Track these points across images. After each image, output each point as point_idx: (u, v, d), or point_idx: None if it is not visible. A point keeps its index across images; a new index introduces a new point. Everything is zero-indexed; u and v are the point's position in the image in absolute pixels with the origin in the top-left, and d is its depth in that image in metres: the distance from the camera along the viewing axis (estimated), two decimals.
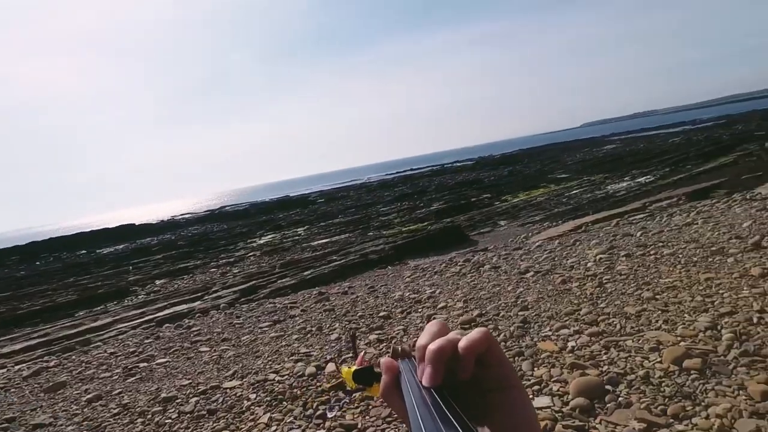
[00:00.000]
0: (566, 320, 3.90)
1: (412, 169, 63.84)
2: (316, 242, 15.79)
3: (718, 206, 8.03)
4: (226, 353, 4.99)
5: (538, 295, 4.81)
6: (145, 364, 5.17)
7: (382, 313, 5.40)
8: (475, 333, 0.36)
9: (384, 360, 0.41)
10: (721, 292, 3.84)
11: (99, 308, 10.82)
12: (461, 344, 0.35)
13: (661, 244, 6.00)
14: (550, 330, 3.74)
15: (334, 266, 10.32)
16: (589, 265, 5.76)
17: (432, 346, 0.36)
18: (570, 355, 3.19)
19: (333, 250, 12.72)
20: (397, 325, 4.87)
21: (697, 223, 6.84)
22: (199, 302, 9.24)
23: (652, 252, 5.65)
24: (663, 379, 2.66)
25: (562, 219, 11.57)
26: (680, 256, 5.22)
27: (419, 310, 5.29)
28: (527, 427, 0.34)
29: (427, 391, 0.34)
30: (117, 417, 3.71)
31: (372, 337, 4.54)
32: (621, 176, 18.06)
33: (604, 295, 4.41)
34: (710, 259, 4.85)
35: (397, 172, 63.45)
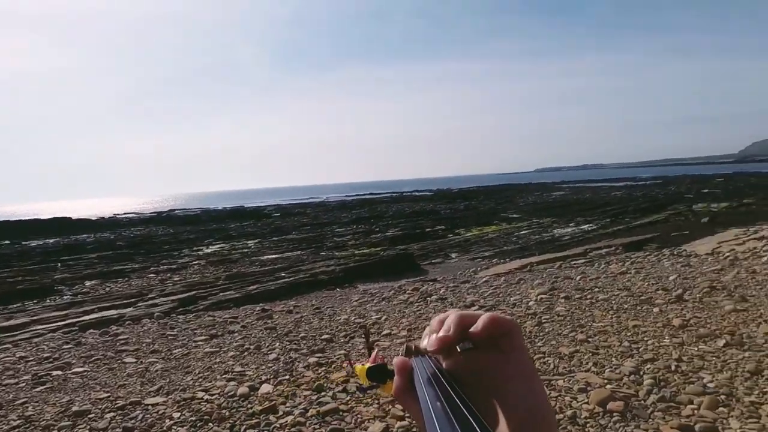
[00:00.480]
0: None
1: (372, 194, 64.27)
2: (266, 257, 15.39)
3: (649, 259, 8.60)
4: (153, 366, 4.68)
5: None
6: (60, 372, 4.75)
7: (325, 336, 5.29)
8: (502, 316, 0.37)
9: (397, 359, 0.41)
10: (645, 339, 4.08)
11: (15, 306, 9.90)
12: (482, 316, 0.37)
13: (597, 289, 6.32)
14: None
15: (281, 283, 10.07)
16: (530, 303, 5.95)
17: (452, 314, 0.39)
18: None
19: (282, 267, 12.43)
20: (339, 349, 4.78)
21: (630, 273, 7.28)
22: (131, 309, 8.69)
23: (588, 296, 5.94)
24: (588, 420, 2.76)
25: (510, 257, 11.96)
26: (613, 302, 5.52)
27: (363, 335, 5.23)
28: (542, 418, 0.33)
29: (442, 389, 0.33)
30: (16, 431, 3.37)
31: (312, 360, 4.43)
32: (567, 222, 19.02)
33: (541, 334, 4.56)
34: (639, 308, 5.16)
35: (357, 195, 63.64)
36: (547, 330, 4.68)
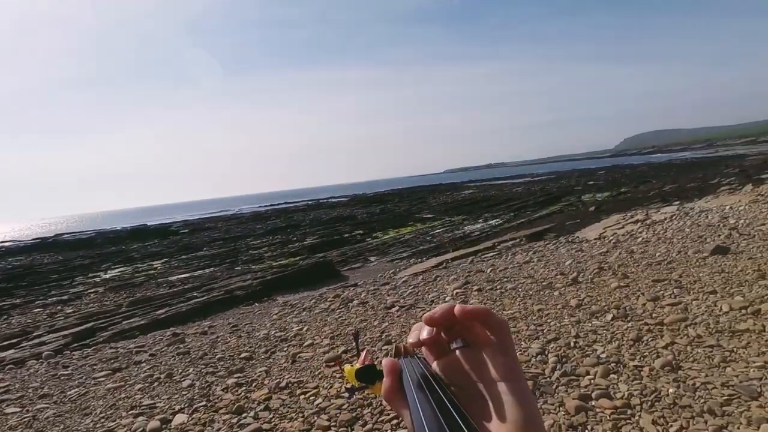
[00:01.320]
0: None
1: (287, 203, 62.77)
2: (175, 277, 14.31)
3: (549, 247, 9.44)
4: (43, 413, 4.13)
5: (401, 329, 5.01)
6: None
7: (244, 354, 5.05)
8: (492, 311, 0.38)
9: (386, 360, 0.40)
10: (549, 321, 4.47)
11: None
12: (457, 307, 0.37)
13: (505, 279, 6.79)
14: None
15: (194, 303, 9.42)
16: (447, 298, 6.22)
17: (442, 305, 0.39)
18: None
19: (194, 286, 11.65)
20: (260, 366, 4.59)
21: (533, 261, 7.92)
22: (12, 350, 7.57)
23: (498, 287, 6.36)
24: None
25: (426, 256, 12.39)
26: (520, 290, 5.96)
27: (284, 348, 5.09)
28: (530, 419, 0.33)
29: (431, 390, 0.33)
30: None
31: (230, 381, 4.21)
32: (476, 218, 20.19)
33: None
34: (542, 293, 5.64)
35: (272, 205, 61.75)
36: None
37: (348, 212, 31.64)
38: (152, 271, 16.19)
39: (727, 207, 9.81)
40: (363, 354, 0.55)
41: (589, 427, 2.55)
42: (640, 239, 8.04)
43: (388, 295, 7.09)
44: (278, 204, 62.40)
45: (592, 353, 3.51)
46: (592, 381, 3.06)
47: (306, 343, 5.13)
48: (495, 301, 5.63)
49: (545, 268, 7.07)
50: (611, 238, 8.95)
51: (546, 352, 3.67)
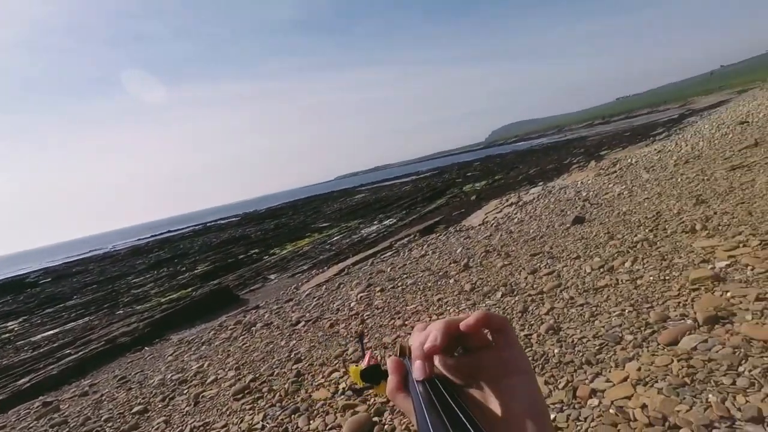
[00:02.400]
0: (336, 363, 4.08)
1: (169, 231, 57.66)
2: (39, 336, 12.25)
3: (440, 238, 10.01)
4: None
5: (310, 344, 4.91)
6: None
7: (136, 408, 4.51)
8: (490, 312, 0.36)
9: (390, 359, 0.40)
10: (448, 309, 4.74)
11: None
12: (462, 325, 0.36)
13: (405, 276, 7.03)
14: (322, 377, 3.83)
15: (68, 362, 8.17)
16: (352, 305, 6.24)
17: (416, 343, 0.37)
18: (341, 397, 3.33)
19: (66, 342, 10.10)
20: (158, 418, 4.14)
21: (428, 254, 8.33)
22: None
23: (399, 284, 6.56)
24: None
25: (328, 265, 12.31)
26: (419, 283, 6.22)
27: (184, 391, 4.66)
28: (537, 414, 0.33)
29: (434, 388, 0.33)
30: None
31: None
32: (371, 220, 20.63)
33: (366, 330, 4.83)
34: (439, 283, 5.95)
35: (153, 236, 56.22)
36: (370, 325, 4.98)
37: (240, 232, 30.13)
38: (8, 335, 13.66)
39: (579, 182, 11.37)
40: (368, 354, 0.56)
41: None
42: (515, 220, 8.93)
43: (293, 312, 6.90)
44: (160, 234, 57.08)
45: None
46: None
47: (209, 380, 4.75)
48: (398, 298, 5.80)
49: (440, 259, 7.48)
50: (492, 222, 9.80)
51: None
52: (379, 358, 0.56)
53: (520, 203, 11.33)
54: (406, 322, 4.66)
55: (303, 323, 5.93)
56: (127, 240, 68.02)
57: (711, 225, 4.47)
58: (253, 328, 6.55)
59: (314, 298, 7.51)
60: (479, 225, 10.16)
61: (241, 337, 6.26)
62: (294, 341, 5.23)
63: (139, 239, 58.22)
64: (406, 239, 12.37)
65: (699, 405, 2.08)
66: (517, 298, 4.40)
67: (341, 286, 7.88)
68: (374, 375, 0.51)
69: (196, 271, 17.25)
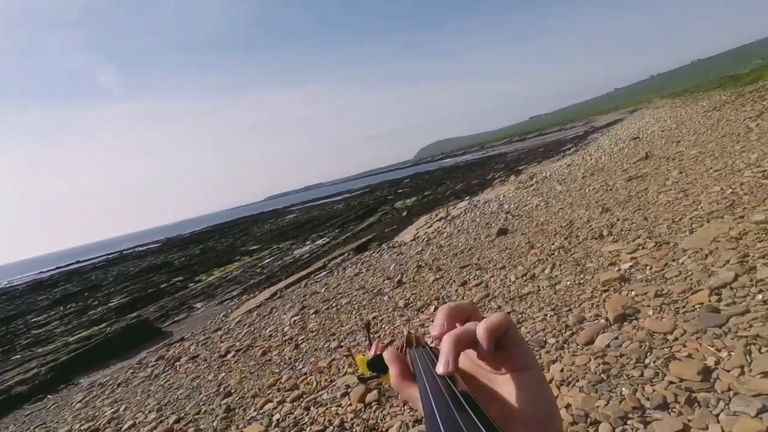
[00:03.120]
0: (269, 393, 3.90)
1: (78, 262, 52.47)
2: None
3: (374, 256, 10.05)
4: None
5: (241, 375, 4.65)
6: None
7: None
8: (494, 317, 0.36)
9: (387, 351, 0.41)
10: (384, 326, 4.74)
11: None
12: (479, 330, 0.35)
13: (340, 295, 6.95)
14: (255, 410, 3.64)
15: None
16: (285, 329, 6.04)
17: (447, 336, 0.35)
18: (276, 429, 3.18)
19: None
20: None
21: (362, 272, 8.32)
22: None
23: (334, 305, 6.46)
24: (354, 420, 2.98)
25: (259, 289, 11.84)
26: (354, 302, 6.18)
27: (364, 327, 4.26)
28: (546, 407, 0.33)
29: (442, 378, 0.33)
30: None
31: None
32: (304, 240, 20.25)
33: (300, 355, 4.68)
34: (374, 300, 5.95)
35: (58, 268, 50.76)
36: (304, 350, 4.84)
37: (162, 259, 28.17)
38: None
39: (501, 196, 12.06)
40: (374, 344, 0.56)
41: None
42: (445, 234, 9.23)
43: (222, 342, 6.53)
44: (67, 265, 51.71)
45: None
46: None
47: (125, 426, 4.32)
48: (333, 319, 5.71)
49: (374, 276, 7.50)
50: (423, 237, 10.04)
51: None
52: (384, 348, 0.55)
53: (449, 218, 11.74)
54: (342, 344, 4.58)
55: (233, 353, 5.62)
56: (26, 274, 60.75)
57: (615, 231, 4.93)
58: (178, 362, 6.09)
59: (245, 325, 7.17)
60: (411, 240, 10.36)
61: (164, 374, 5.78)
62: (223, 373, 4.93)
63: (41, 272, 52.28)
64: (340, 258, 12.28)
65: (615, 399, 2.25)
66: (378, 337, 4.51)
67: (273, 310, 7.60)
68: (381, 364, 0.51)
69: (110, 305, 15.78)
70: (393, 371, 0.40)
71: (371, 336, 0.75)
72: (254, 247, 22.56)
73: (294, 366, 4.39)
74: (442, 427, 0.27)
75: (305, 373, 4.08)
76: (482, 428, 0.27)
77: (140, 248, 49.30)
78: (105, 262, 38.63)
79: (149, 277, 20.90)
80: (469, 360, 0.39)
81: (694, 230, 3.98)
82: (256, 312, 8.11)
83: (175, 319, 11.18)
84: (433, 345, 0.43)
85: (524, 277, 4.63)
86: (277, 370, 4.45)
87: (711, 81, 31.13)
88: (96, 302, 17.44)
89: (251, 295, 11.11)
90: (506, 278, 4.84)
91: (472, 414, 0.28)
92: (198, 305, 12.34)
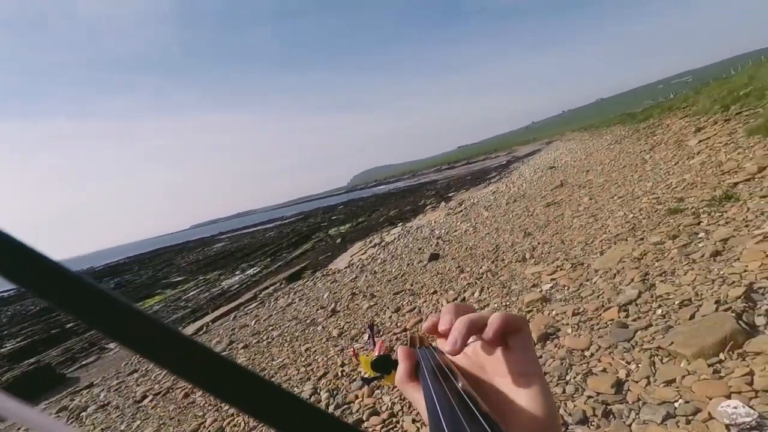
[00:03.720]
0: None
1: None
2: None
3: (307, 284, 9.83)
4: None
5: (160, 422, 4.25)
6: None
7: None
8: (513, 314, 0.35)
9: (401, 348, 0.40)
10: (317, 358, 4.60)
11: None
12: (493, 317, 0.35)
13: (271, 327, 6.67)
14: None
15: None
16: None
17: (460, 319, 0.35)
18: None
19: None
20: None
21: (295, 302, 8.08)
22: None
23: (265, 338, 6.18)
24: None
25: (183, 324, 11.06)
26: (286, 334, 5.95)
27: (368, 328, 3.76)
28: (547, 415, 0.33)
29: (447, 380, 0.33)
30: None
31: None
32: (233, 270, 19.34)
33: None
34: (307, 331, 5.78)
35: None
36: None
37: None
38: None
39: (433, 222, 12.42)
40: (378, 344, 0.50)
41: None
42: (379, 260, 9.27)
43: (138, 385, 5.96)
44: None
45: (356, 377, 3.77)
46: (361, 403, 3.27)
47: None
48: (263, 353, 5.44)
49: (307, 306, 7.31)
50: (358, 264, 10.01)
51: (318, 390, 3.74)
52: (387, 348, 0.53)
53: (383, 244, 11.85)
54: (273, 380, 4.37)
55: (150, 397, 5.14)
56: None
57: (536, 253, 5.25)
58: (84, 413, 5.44)
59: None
60: (345, 267, 10.28)
61: (68, 427, 5.13)
62: (138, 421, 4.48)
63: None
64: (272, 288, 11.86)
65: None
66: (384, 338, 4.49)
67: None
68: (385, 364, 0.51)
69: (2, 350, 13.87)
70: (402, 368, 0.39)
71: (375, 336, 0.74)
72: (178, 279, 21.18)
73: (220, 407, 4.10)
74: (445, 428, 0.27)
75: (232, 414, 3.82)
76: (487, 430, 0.26)
77: None
78: None
79: (53, 316, 18.73)
80: (473, 360, 0.39)
81: (603, 252, 4.35)
82: None
83: (84, 362, 10.06)
84: (436, 344, 0.43)
85: (455, 301, 4.74)
86: (201, 413, 4.12)
87: (612, 117, 34.92)
88: None
89: None
90: (438, 303, 4.94)
91: (477, 414, 0.28)
92: (111, 345, 11.22)
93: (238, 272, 18.74)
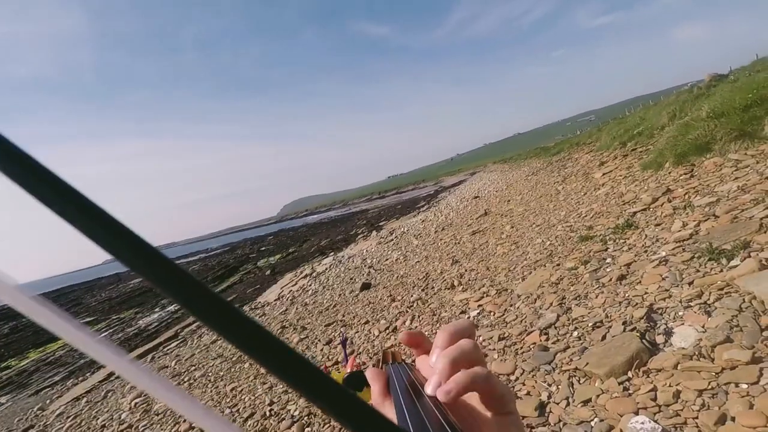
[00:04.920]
0: None
1: None
2: None
3: None
4: None
5: None
6: None
7: None
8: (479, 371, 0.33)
9: (369, 370, 0.39)
10: (243, 397, 4.33)
11: None
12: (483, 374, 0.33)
13: (193, 367, 6.21)
14: None
15: None
16: (123, 416, 5.11)
17: (443, 356, 0.35)
18: None
19: None
20: None
21: (220, 339, 7.59)
22: None
23: (186, 379, 5.73)
24: None
25: (91, 370, 9.93)
26: (210, 374, 5.57)
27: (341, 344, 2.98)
28: (513, 412, 0.33)
29: (418, 396, 0.33)
30: None
31: None
32: (152, 308, 17.87)
33: None
34: (233, 369, 5.44)
35: None
36: None
37: None
38: None
39: (365, 251, 12.46)
40: (351, 360, 0.43)
41: None
42: (310, 291, 9.07)
43: None
44: None
45: (287, 415, 3.60)
46: None
47: None
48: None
49: None
50: (288, 296, 9.71)
51: None
52: (359, 364, 0.48)
53: (314, 274, 11.63)
54: (193, 426, 4.03)
55: None
56: None
57: (464, 281, 5.44)
58: None
59: (68, 417, 5.89)
60: (275, 300, 9.92)
61: None
62: None
63: None
64: (196, 325, 11.09)
65: None
66: (355, 354, 4.35)
67: (109, 393, 6.43)
68: (358, 381, 0.46)
69: None
70: (375, 389, 0.38)
71: (347, 352, 0.70)
72: (88, 320, 19.12)
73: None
74: None
75: (352, 353, 3.48)
76: None
77: None
78: None
79: None
80: (461, 404, 0.37)
81: (525, 277, 4.61)
82: (85, 399, 6.74)
83: None
84: (410, 361, 0.43)
85: (387, 330, 4.75)
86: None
87: (528, 151, 37.87)
88: None
89: (80, 379, 9.25)
90: (370, 333, 4.91)
91: (447, 428, 0.28)
92: (2, 400, 9.76)
93: (157, 309, 17.35)
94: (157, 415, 4.70)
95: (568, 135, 46.59)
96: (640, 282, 3.29)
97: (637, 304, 2.99)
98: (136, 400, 5.55)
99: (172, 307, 16.63)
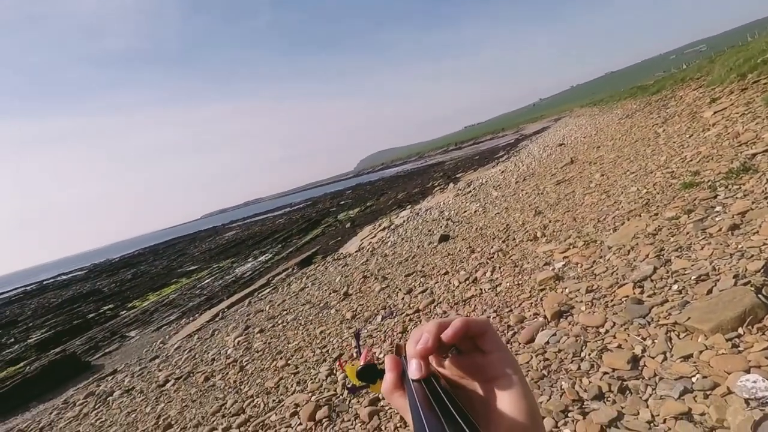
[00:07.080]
0: (214, 421, 3.70)
1: None
2: None
3: (319, 269, 9.91)
4: None
5: (182, 405, 4.37)
6: None
7: None
8: (473, 317, 0.37)
9: (389, 357, 0.41)
10: (332, 340, 4.67)
11: None
12: (453, 321, 0.36)
13: (285, 312, 6.77)
14: None
15: None
16: (229, 351, 5.77)
17: (431, 321, 0.38)
18: None
19: None
20: None
21: (308, 287, 8.16)
22: None
23: (279, 322, 6.28)
24: None
25: (199, 311, 11.26)
26: (301, 318, 6.04)
27: (354, 337, 3.93)
28: (528, 416, 0.34)
29: (430, 387, 0.34)
30: None
31: None
32: (245, 258, 19.57)
33: (246, 378, 4.49)
34: (321, 314, 5.85)
35: None
36: (250, 371, 4.65)
37: (89, 287, 26.03)
38: None
39: (442, 203, 12.38)
40: (364, 352, 0.55)
41: (382, 427, 2.76)
42: (389, 243, 9.30)
43: (160, 370, 6.11)
44: None
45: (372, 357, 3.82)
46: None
47: None
48: (279, 337, 5.54)
49: (319, 290, 7.38)
50: (368, 247, 10.05)
51: (335, 371, 3.81)
52: (373, 357, 0.54)
53: (392, 227, 11.86)
54: (289, 362, 4.45)
55: (172, 382, 5.28)
56: None
57: (548, 232, 5.22)
58: (110, 398, 5.61)
59: (185, 351, 6.77)
60: (356, 251, 10.33)
61: (95, 412, 5.30)
62: (162, 404, 4.61)
63: None
64: (285, 274, 11.99)
65: (556, 393, 2.36)
66: (396, 320, 4.53)
67: (216, 332, 7.25)
68: (371, 373, 0.51)
69: (29, 341, 14.30)
70: (389, 378, 0.40)
71: (361, 345, 0.75)
72: (192, 268, 21.49)
73: (240, 389, 4.20)
74: (428, 430, 0.28)
75: (251, 395, 3.91)
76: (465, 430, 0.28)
77: (63, 277, 45.25)
78: (22, 295, 35.05)
79: (75, 307, 19.22)
80: (454, 371, 0.39)
81: (617, 228, 4.31)
82: (196, 336, 7.69)
83: (107, 350, 10.34)
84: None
85: (467, 282, 4.76)
86: (221, 395, 4.23)
87: (622, 91, 34.14)
88: (12, 340, 15.73)
89: (191, 319, 10.53)
90: (450, 283, 4.95)
91: (458, 418, 0.29)
92: (132, 334, 11.49)
93: (250, 259, 18.95)
94: (257, 352, 5.24)
95: (672, 70, 41.16)
96: (757, 232, 2.91)
97: (752, 256, 2.67)
98: (239, 339, 6.21)
99: (263, 258, 18.06)
